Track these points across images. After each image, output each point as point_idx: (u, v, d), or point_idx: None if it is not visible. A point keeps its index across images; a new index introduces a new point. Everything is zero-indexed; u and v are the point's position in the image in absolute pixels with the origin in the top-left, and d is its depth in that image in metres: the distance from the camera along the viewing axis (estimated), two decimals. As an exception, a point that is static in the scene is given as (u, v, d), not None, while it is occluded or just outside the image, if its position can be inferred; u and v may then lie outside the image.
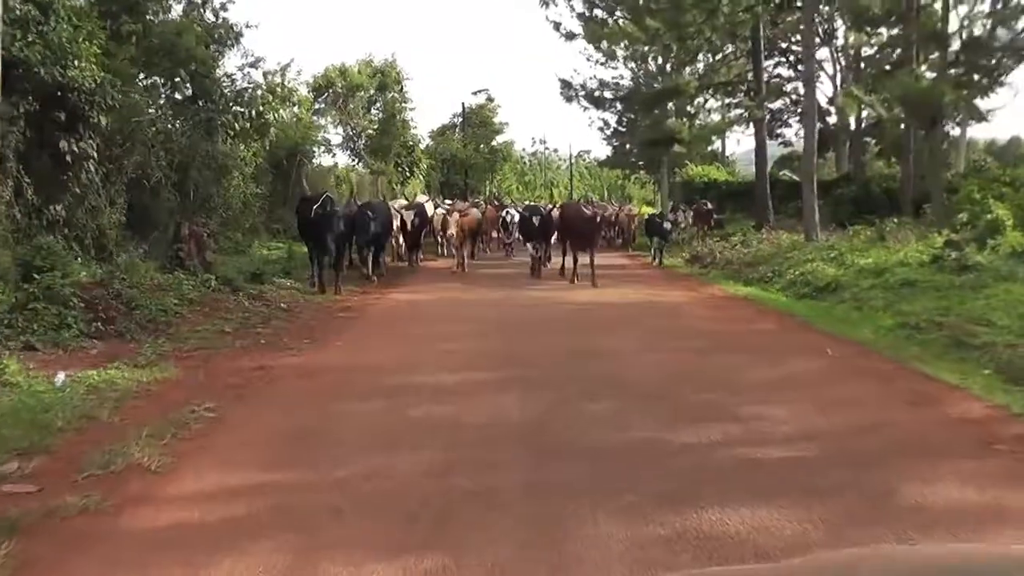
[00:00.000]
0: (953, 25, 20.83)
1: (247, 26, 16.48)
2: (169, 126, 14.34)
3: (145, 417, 5.27)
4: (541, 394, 6.03)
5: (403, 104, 31.23)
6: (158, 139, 12.70)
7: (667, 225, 18.14)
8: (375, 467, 4.38)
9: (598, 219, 14.76)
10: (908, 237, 15.26)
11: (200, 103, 15.57)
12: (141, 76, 14.35)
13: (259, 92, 17.17)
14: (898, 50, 27.00)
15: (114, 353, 7.04)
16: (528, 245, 15.80)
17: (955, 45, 20.67)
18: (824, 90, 29.51)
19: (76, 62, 9.48)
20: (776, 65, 32.22)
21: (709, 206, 22.55)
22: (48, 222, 10.19)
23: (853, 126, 30.68)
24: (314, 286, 12.11)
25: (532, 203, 19.69)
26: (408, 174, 31.18)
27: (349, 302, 11.60)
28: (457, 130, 38.09)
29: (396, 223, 15.57)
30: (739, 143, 41.83)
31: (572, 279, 14.13)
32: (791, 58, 33.50)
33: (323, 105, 30.17)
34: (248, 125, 16.70)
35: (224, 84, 16.35)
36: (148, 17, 14.10)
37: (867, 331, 8.92)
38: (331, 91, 29.90)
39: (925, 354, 7.56)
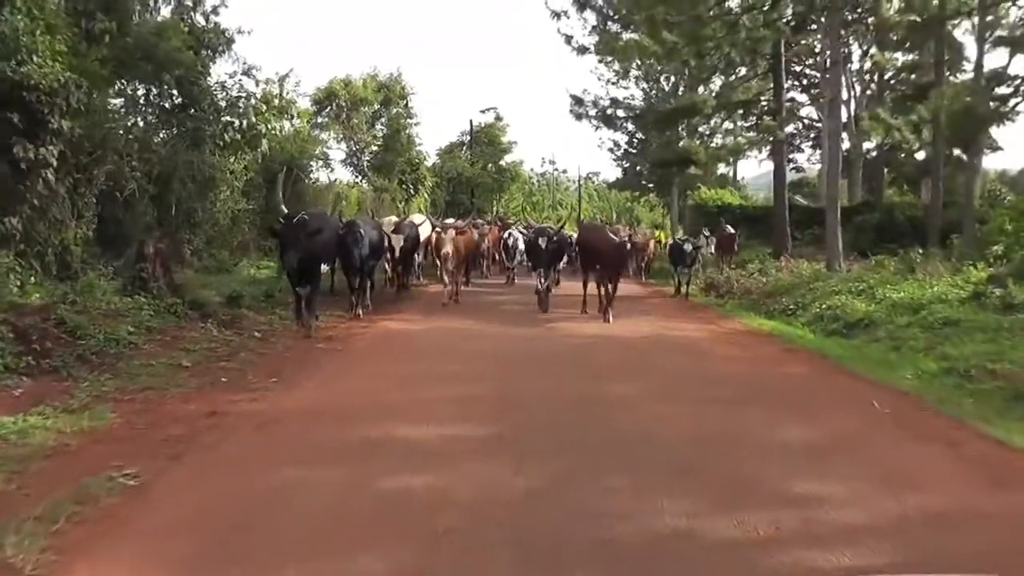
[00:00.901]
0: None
1: (239, 32, 15.52)
2: (149, 134, 13.30)
3: (49, 485, 4.23)
4: (540, 463, 4.92)
5: (408, 120, 30.39)
6: (132, 147, 11.64)
7: (687, 248, 16.69)
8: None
9: (627, 247, 12.77)
10: (939, 269, 14.33)
11: (191, 111, 14.57)
12: (122, 81, 13.31)
13: (252, 102, 16.13)
14: (916, 73, 26.25)
15: (42, 394, 5.99)
16: (534, 273, 13.90)
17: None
18: (839, 116, 28.68)
19: (32, 57, 8.46)
20: (789, 89, 31.43)
21: (732, 231, 21.15)
22: (1, 236, 9.19)
23: (874, 152, 29.82)
24: (299, 314, 10.70)
25: (541, 224, 17.68)
26: (412, 192, 30.20)
27: (333, 331, 10.50)
28: (465, 148, 37.19)
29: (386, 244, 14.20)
30: (760, 165, 40.93)
31: (584, 308, 13.02)
32: (804, 82, 32.80)
33: (326, 119, 29.34)
34: (240, 136, 15.66)
35: (215, 92, 15.32)
36: (133, 19, 13.10)
37: (909, 376, 7.98)
38: (334, 104, 29.06)
39: (984, 409, 6.62)
